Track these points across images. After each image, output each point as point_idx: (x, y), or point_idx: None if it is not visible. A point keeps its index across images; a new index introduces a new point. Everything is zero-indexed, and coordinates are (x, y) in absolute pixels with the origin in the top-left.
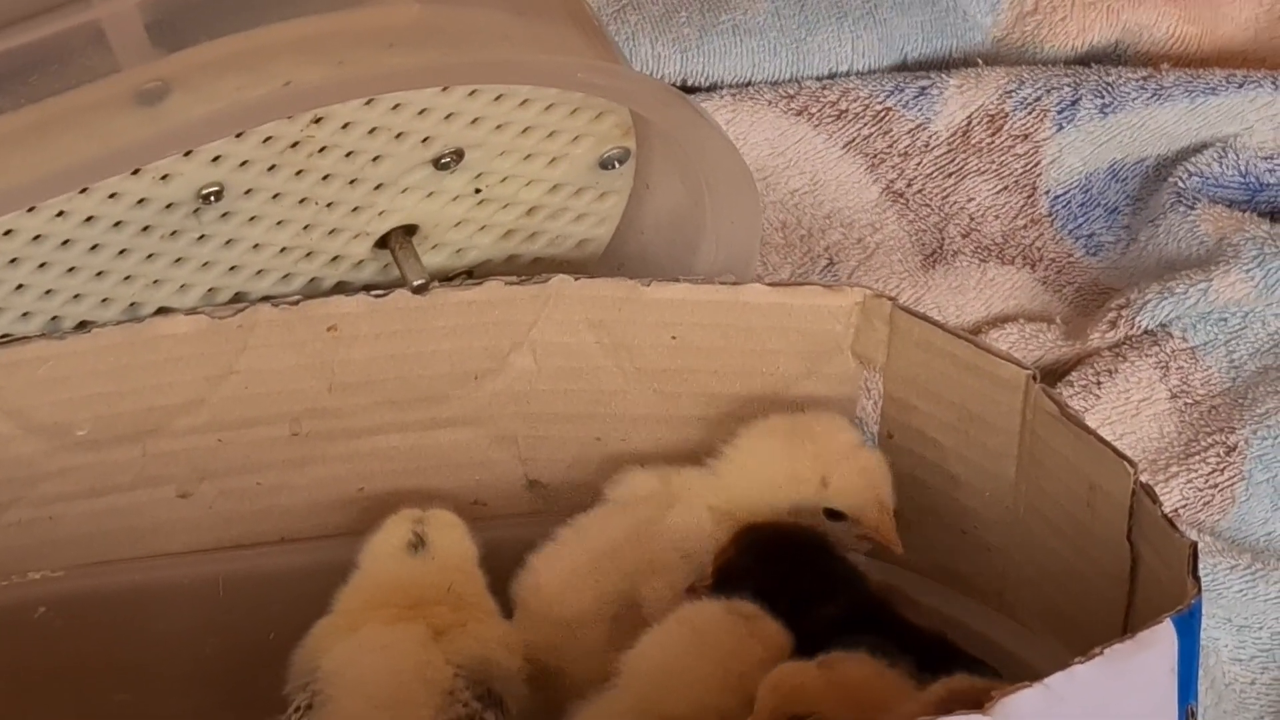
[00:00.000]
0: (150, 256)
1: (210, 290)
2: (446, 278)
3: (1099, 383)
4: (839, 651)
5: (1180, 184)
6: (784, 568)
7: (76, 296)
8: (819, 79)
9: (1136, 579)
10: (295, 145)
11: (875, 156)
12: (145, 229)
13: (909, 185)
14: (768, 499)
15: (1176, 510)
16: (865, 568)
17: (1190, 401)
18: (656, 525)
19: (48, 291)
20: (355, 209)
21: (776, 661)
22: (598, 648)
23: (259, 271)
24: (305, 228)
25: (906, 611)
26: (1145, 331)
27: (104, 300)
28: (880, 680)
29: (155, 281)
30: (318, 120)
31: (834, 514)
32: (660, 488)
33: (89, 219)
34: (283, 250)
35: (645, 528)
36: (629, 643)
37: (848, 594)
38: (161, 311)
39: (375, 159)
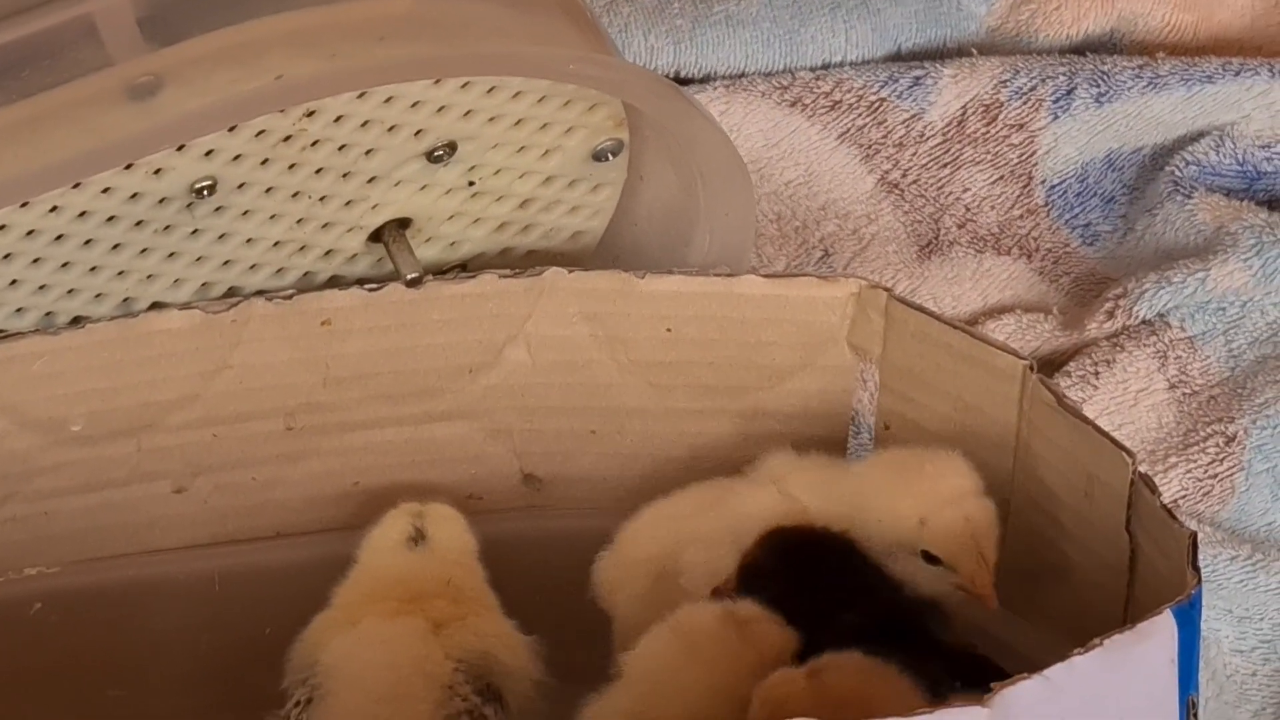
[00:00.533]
0: (144, 251)
1: (204, 285)
2: (440, 271)
3: (1097, 373)
4: (830, 655)
5: (1177, 173)
6: (807, 570)
7: (70, 292)
8: (813, 70)
9: (1136, 570)
10: (288, 139)
11: (870, 147)
12: (138, 224)
13: (904, 176)
14: (864, 529)
15: (1176, 501)
16: None
17: (1189, 391)
18: (731, 499)
19: (41, 287)
20: (348, 203)
21: (776, 665)
22: (640, 598)
23: (252, 266)
24: (299, 221)
25: (935, 625)
26: (1143, 321)
27: (98, 295)
28: (873, 682)
29: (149, 276)
30: (310, 114)
31: (930, 558)
32: (785, 474)
33: (82, 214)
34: (276, 244)
35: (722, 495)
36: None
37: (871, 600)
38: (155, 306)
39: (368, 152)
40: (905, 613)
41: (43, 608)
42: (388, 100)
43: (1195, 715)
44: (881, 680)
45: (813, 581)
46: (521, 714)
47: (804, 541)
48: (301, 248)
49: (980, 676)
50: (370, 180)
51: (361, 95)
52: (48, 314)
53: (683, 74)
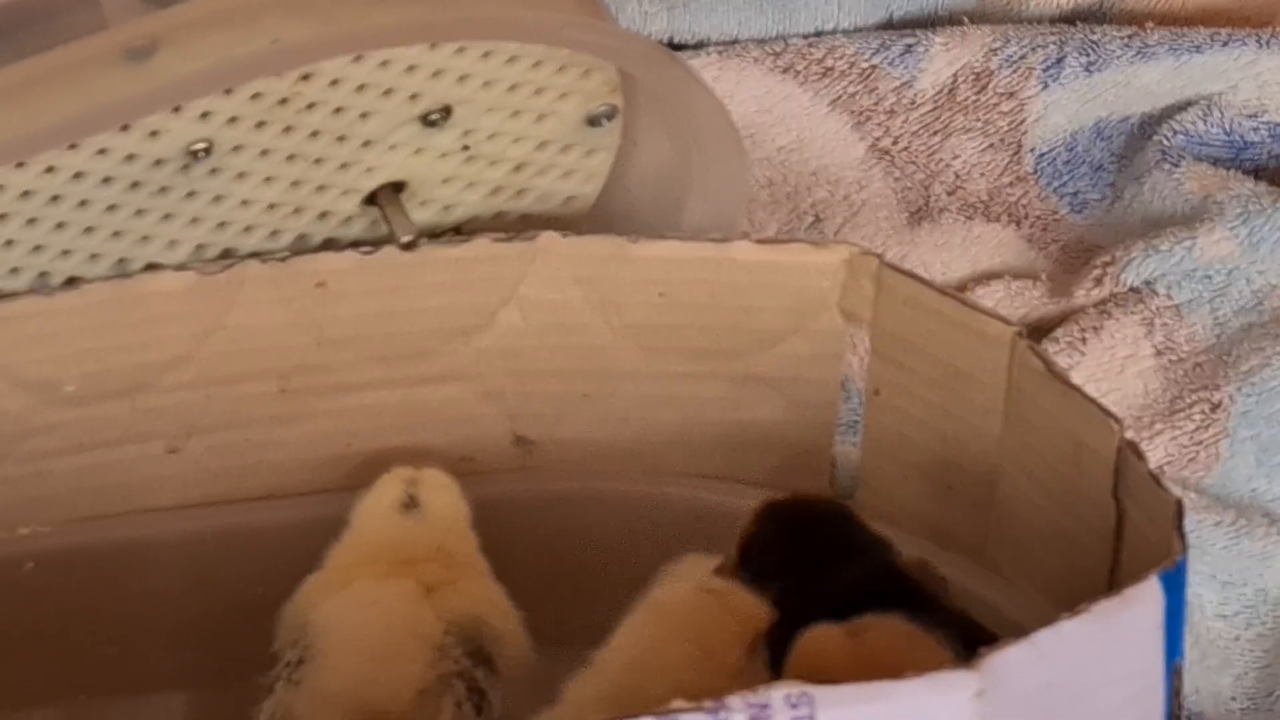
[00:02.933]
0: (139, 212)
1: (199, 246)
2: (434, 234)
3: (1084, 339)
4: (871, 616)
5: (1165, 142)
6: (806, 539)
7: (65, 252)
8: (805, 37)
9: (1122, 536)
10: (283, 102)
11: (861, 114)
12: (134, 185)
13: (895, 143)
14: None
15: (1161, 467)
16: None
17: (1175, 359)
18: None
19: (36, 247)
20: (343, 165)
21: (752, 632)
22: None
23: (247, 228)
24: (293, 184)
25: (932, 587)
26: (1130, 289)
27: (92, 256)
28: (913, 647)
29: (144, 238)
30: (306, 77)
31: None
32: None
33: (77, 175)
34: (271, 206)
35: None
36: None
37: (873, 563)
38: (150, 268)
39: (363, 115)
40: (904, 578)
41: (35, 567)
42: (383, 64)
43: (1180, 680)
44: (922, 647)
45: (812, 550)
46: (511, 678)
47: (799, 512)
48: (296, 210)
49: (976, 641)
50: (365, 144)
51: (357, 59)
52: (42, 274)
53: (676, 40)
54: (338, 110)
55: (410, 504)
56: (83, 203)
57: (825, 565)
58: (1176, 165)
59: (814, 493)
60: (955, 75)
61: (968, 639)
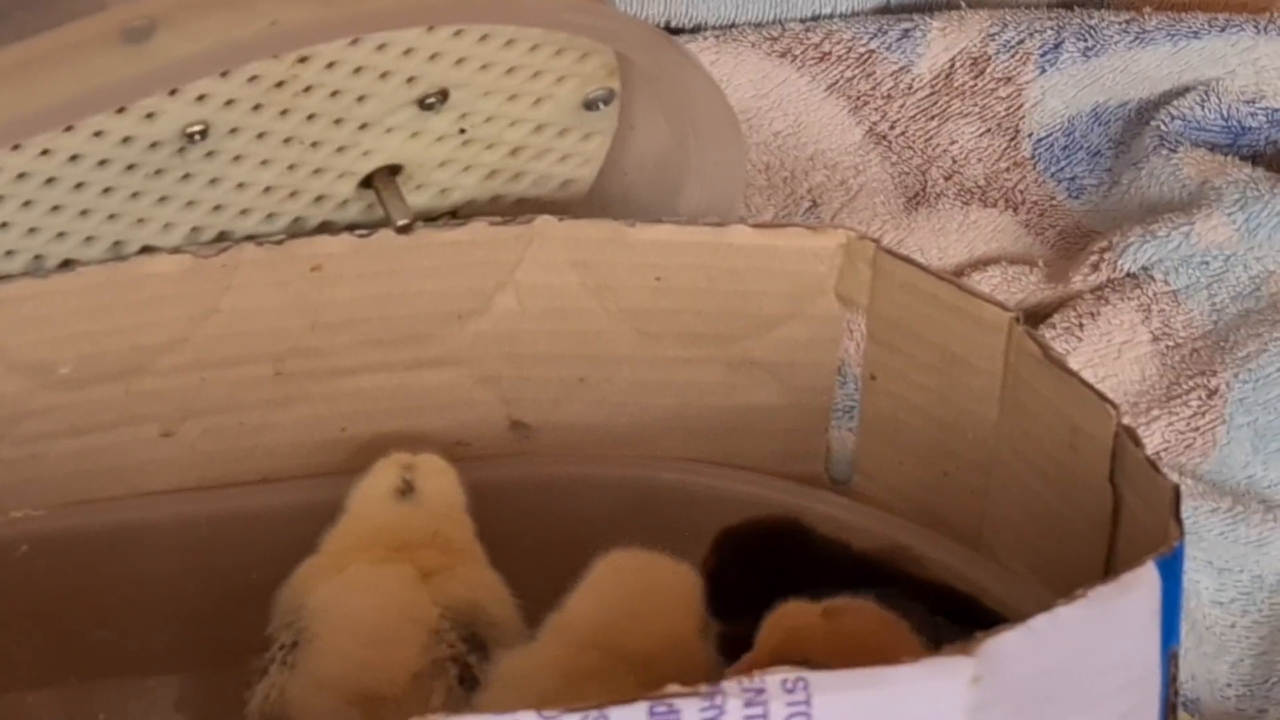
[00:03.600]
0: (135, 195)
1: (194, 229)
2: (430, 218)
3: (1081, 325)
4: (845, 598)
5: (1162, 127)
6: (766, 564)
7: (60, 235)
8: (802, 21)
9: (1119, 522)
10: (280, 84)
11: (858, 99)
12: (130, 167)
13: (892, 128)
14: None
15: (1158, 453)
16: (844, 510)
17: (1172, 344)
18: None
19: (31, 229)
20: (340, 148)
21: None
22: None
23: (243, 211)
24: (290, 167)
25: (910, 568)
26: (1127, 274)
27: (88, 239)
28: (884, 632)
29: (139, 220)
30: (303, 59)
31: None
32: None
33: (74, 157)
34: (267, 189)
35: None
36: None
37: (840, 568)
38: (145, 250)
39: (360, 98)
40: (874, 570)
41: (29, 550)
42: (380, 47)
43: (1176, 667)
44: (894, 631)
45: (775, 574)
46: None
47: (754, 536)
48: (292, 193)
49: (961, 610)
50: (362, 126)
51: (354, 42)
52: (37, 257)
53: (673, 24)
54: (334, 93)
55: (406, 490)
56: (78, 185)
57: (791, 584)
58: (1174, 151)
59: (762, 515)
60: (953, 60)
61: (951, 611)
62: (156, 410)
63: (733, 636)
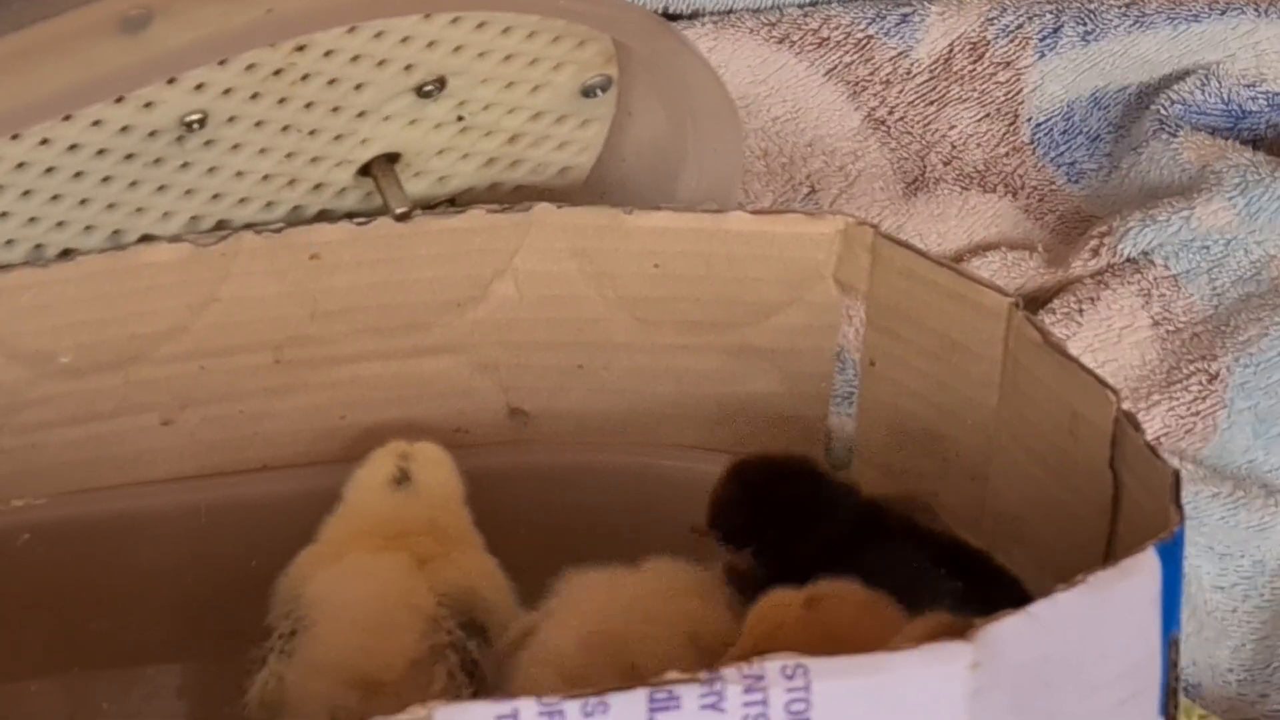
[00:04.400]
0: (133, 184)
1: (193, 218)
2: (429, 206)
3: (1081, 310)
4: (826, 583)
5: (1162, 111)
6: (774, 496)
7: (60, 224)
8: (801, 7)
9: (1119, 507)
10: (278, 73)
11: (857, 84)
12: (128, 156)
13: (890, 113)
14: None
15: (1158, 438)
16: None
17: (1172, 329)
18: None
19: (31, 219)
20: (338, 136)
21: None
22: None
23: (242, 199)
24: (288, 155)
25: (920, 517)
26: (1127, 259)
27: (87, 228)
28: (868, 616)
29: (138, 209)
30: (300, 48)
31: None
32: None
33: (72, 146)
34: (265, 178)
35: None
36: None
37: (846, 511)
38: (145, 239)
39: (358, 86)
40: (877, 518)
41: (30, 539)
42: (378, 35)
43: (1177, 652)
44: (876, 614)
45: (781, 506)
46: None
47: (766, 469)
48: (290, 181)
49: (968, 565)
50: (359, 115)
51: (352, 30)
52: (37, 246)
53: (671, 10)
54: (332, 81)
55: (402, 479)
56: (78, 174)
57: (796, 520)
58: (1174, 135)
59: (779, 450)
60: (951, 45)
61: (956, 561)
62: (156, 399)
63: (733, 568)
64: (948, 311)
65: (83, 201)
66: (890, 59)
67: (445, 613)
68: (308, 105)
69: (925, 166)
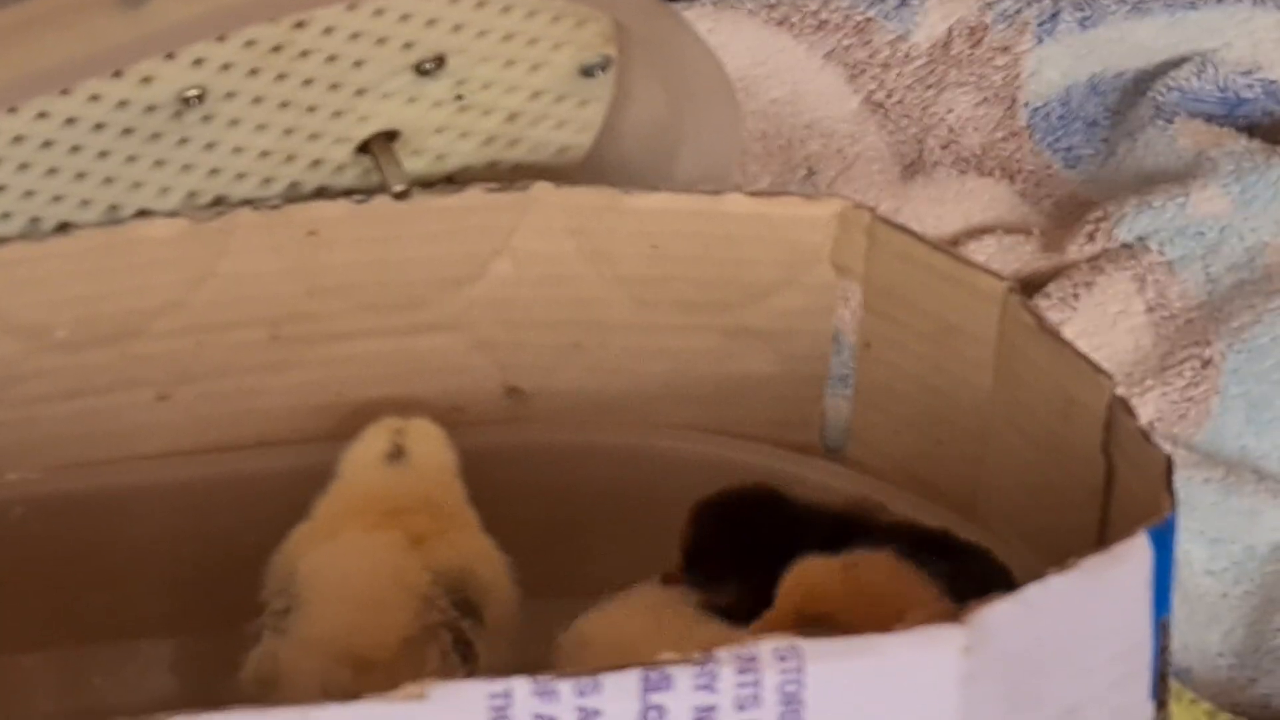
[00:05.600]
0: (131, 159)
1: (191, 194)
2: (427, 184)
3: (1076, 295)
4: (862, 551)
5: (1159, 98)
6: (744, 532)
7: (56, 198)
8: None
9: (1111, 492)
10: (277, 49)
11: (855, 67)
12: (126, 131)
13: (889, 96)
14: None
15: (1151, 423)
16: (838, 478)
17: (1166, 315)
18: None
19: (27, 193)
20: (336, 113)
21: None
22: None
23: (239, 175)
24: (286, 132)
25: (876, 516)
26: (1122, 245)
27: (84, 202)
28: (902, 584)
29: (136, 184)
30: (300, 24)
31: None
32: None
33: (70, 120)
34: (264, 154)
35: None
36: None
37: (819, 527)
38: (142, 214)
39: (357, 64)
40: (845, 521)
41: (24, 513)
42: (377, 12)
43: (1168, 637)
44: (906, 577)
45: (753, 542)
46: (498, 629)
47: (731, 505)
48: (289, 158)
49: (935, 546)
50: (358, 92)
51: (351, 7)
52: (33, 220)
53: None
54: (331, 58)
55: (396, 454)
56: (75, 148)
57: (771, 545)
58: (1170, 121)
59: (738, 485)
60: (950, 29)
61: (926, 548)
62: (152, 374)
63: (714, 606)
64: (944, 295)
65: (79, 176)
66: (889, 42)
67: (439, 592)
68: (306, 82)
69: (923, 150)
